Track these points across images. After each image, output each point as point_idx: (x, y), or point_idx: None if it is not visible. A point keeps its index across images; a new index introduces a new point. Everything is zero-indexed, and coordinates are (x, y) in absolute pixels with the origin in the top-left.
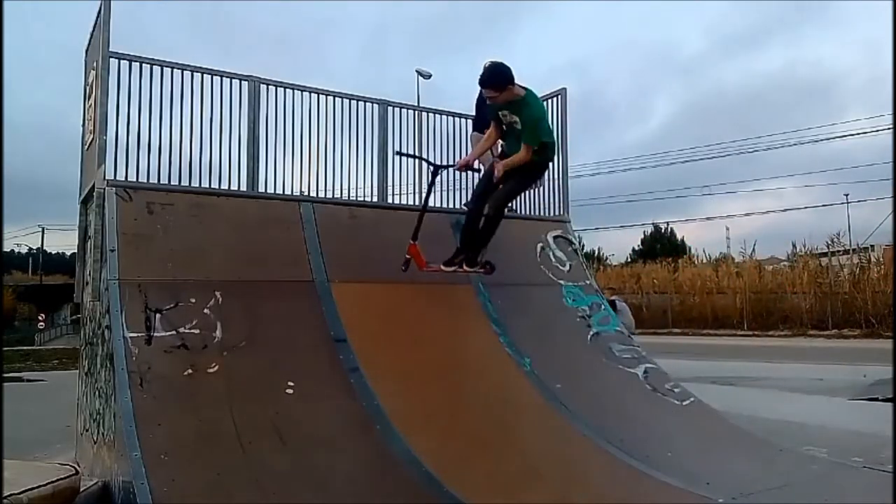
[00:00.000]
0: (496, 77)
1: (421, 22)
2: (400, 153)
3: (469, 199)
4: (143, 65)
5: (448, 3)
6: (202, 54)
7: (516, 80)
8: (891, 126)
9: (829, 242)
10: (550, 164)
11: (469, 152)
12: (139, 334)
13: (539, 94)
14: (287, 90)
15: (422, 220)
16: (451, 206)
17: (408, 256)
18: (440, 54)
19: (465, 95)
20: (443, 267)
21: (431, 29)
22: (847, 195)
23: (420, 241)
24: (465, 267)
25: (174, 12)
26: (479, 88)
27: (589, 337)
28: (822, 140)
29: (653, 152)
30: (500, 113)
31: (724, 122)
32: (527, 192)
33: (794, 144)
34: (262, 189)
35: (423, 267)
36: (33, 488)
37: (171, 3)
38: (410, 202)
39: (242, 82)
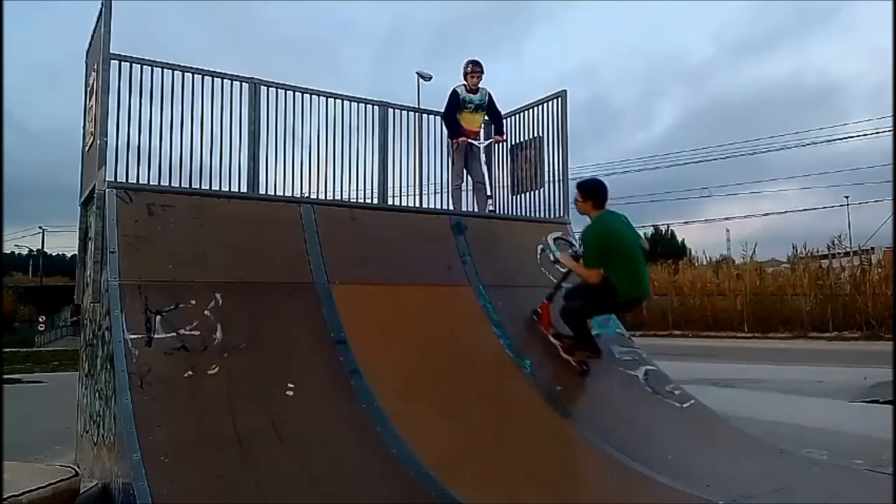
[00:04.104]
0: (583, 187)
1: (432, 27)
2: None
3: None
4: (144, 66)
5: (460, 7)
6: (227, 58)
7: (596, 201)
8: (891, 128)
9: (830, 245)
10: (626, 303)
11: (452, 160)
12: (139, 336)
13: (541, 97)
14: (287, 92)
15: (558, 288)
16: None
17: (539, 310)
18: (452, 58)
19: None
20: (551, 338)
21: (443, 34)
22: (847, 197)
23: (420, 241)
24: (565, 353)
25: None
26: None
27: None
28: (822, 142)
29: (656, 155)
30: None
31: (729, 128)
32: (527, 194)
33: (795, 146)
34: (262, 190)
35: (545, 327)
36: (33, 490)
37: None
38: (410, 204)
39: (243, 84)
